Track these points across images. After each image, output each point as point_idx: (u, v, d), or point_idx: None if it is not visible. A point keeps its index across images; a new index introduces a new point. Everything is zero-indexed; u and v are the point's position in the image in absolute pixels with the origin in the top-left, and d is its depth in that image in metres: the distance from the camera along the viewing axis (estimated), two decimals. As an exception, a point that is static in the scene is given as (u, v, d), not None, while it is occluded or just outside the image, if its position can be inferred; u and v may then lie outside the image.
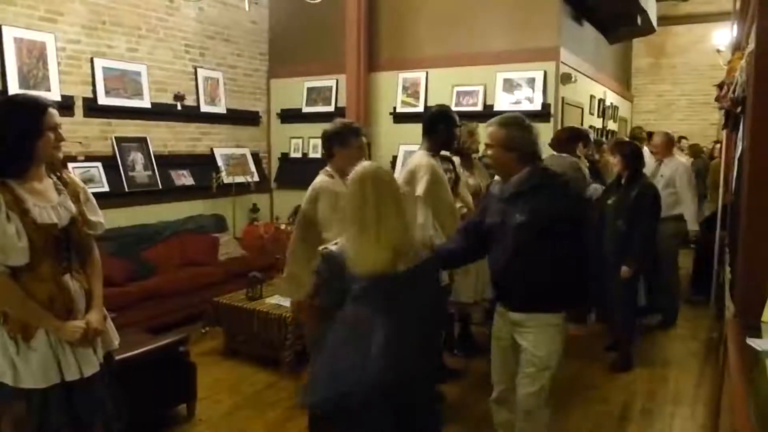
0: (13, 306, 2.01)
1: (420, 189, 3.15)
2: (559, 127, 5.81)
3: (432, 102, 6.06)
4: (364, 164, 2.08)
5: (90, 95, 5.28)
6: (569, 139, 4.76)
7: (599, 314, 4.97)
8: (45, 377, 2.03)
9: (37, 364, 2.02)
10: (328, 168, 2.86)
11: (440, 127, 3.34)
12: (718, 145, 6.89)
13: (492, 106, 5.99)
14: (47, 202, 2.08)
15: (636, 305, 4.51)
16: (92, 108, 5.29)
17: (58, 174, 2.21)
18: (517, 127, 2.53)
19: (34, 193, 2.06)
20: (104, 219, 2.33)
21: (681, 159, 5.41)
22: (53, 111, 2.10)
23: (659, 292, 5.30)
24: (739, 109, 3.34)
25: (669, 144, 5.37)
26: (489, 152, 2.61)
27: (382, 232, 1.98)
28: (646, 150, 7.02)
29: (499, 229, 2.54)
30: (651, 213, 4.19)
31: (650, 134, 7.73)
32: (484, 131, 4.20)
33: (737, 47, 4.28)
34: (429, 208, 3.17)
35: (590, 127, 7.04)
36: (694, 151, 8.76)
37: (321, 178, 2.82)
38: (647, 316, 5.22)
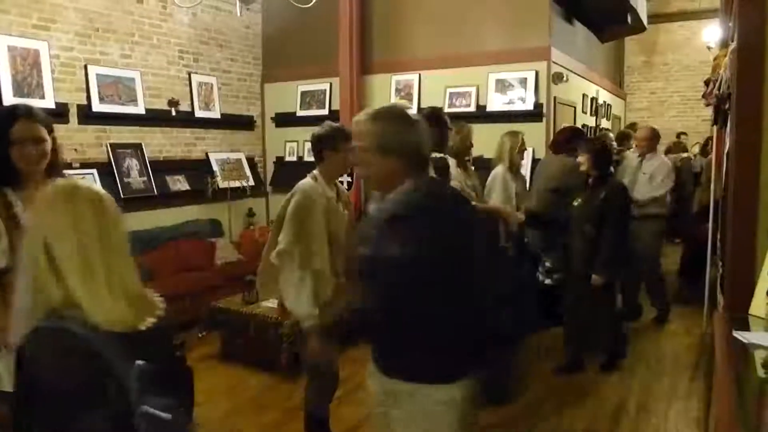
0: None
1: None
2: (552, 127, 5.85)
3: (425, 104, 6.09)
4: (69, 182, 1.45)
5: (84, 102, 5.30)
6: (569, 140, 4.74)
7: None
8: None
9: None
10: (315, 172, 2.86)
11: (431, 129, 3.35)
12: (711, 142, 6.90)
13: (485, 107, 6.03)
14: None
15: (616, 312, 4.40)
16: (87, 115, 5.31)
17: None
18: (399, 122, 1.86)
19: (29, 201, 2.06)
20: None
21: (663, 157, 5.37)
22: (26, 124, 2.08)
23: (647, 292, 5.32)
24: (726, 106, 3.38)
25: (654, 139, 5.30)
26: (362, 157, 1.89)
27: (111, 274, 1.38)
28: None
29: (369, 265, 1.86)
30: (620, 216, 3.99)
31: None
32: (480, 132, 4.29)
33: (725, 44, 4.32)
34: None
35: (583, 125, 7.08)
36: (678, 148, 8.80)
37: (304, 180, 2.82)
38: (632, 320, 5.21)
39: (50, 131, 2.20)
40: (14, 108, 2.15)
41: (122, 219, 1.51)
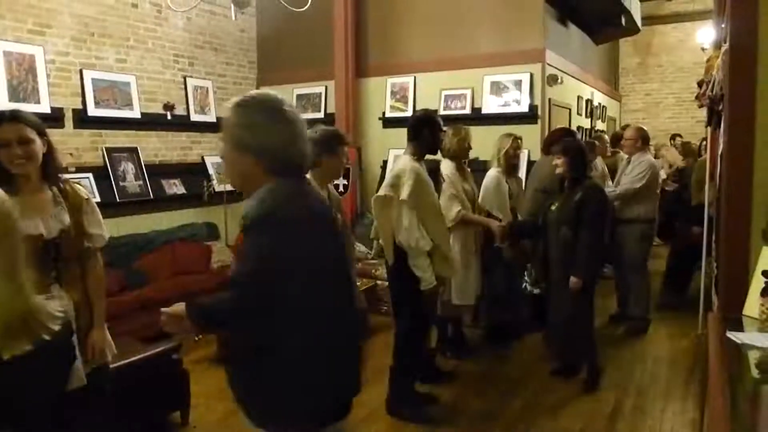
0: None
1: (404, 193, 3.19)
2: (547, 129, 5.87)
3: (420, 106, 6.11)
4: None
5: (80, 107, 5.30)
6: (559, 141, 4.71)
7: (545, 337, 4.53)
8: None
9: None
10: (308, 175, 2.84)
11: (424, 131, 3.37)
12: (705, 143, 6.87)
13: (480, 109, 6.05)
14: (38, 214, 2.11)
15: (591, 319, 4.05)
16: (82, 119, 5.30)
17: (61, 186, 2.23)
18: (263, 115, 1.56)
19: (25, 205, 2.06)
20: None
21: (650, 157, 5.21)
22: (9, 126, 2.09)
23: (627, 300, 5.12)
24: (720, 107, 3.40)
25: (641, 140, 5.12)
26: (220, 153, 1.65)
27: None
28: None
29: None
30: (596, 217, 3.78)
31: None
32: (475, 134, 4.30)
33: (719, 45, 4.34)
34: (414, 211, 3.20)
35: (578, 127, 7.11)
36: (686, 149, 8.79)
37: None
38: (615, 327, 5.10)
39: (42, 134, 2.20)
40: None
41: (17, 230, 1.37)
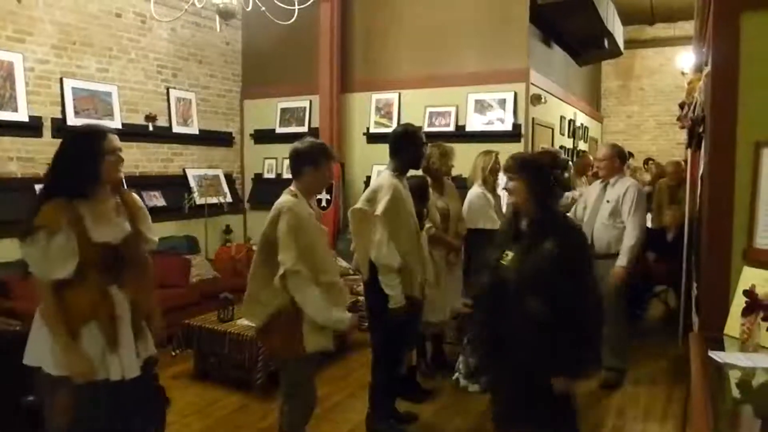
0: (49, 318, 2.20)
1: (379, 209, 3.16)
2: (530, 147, 5.91)
3: (405, 122, 6.11)
4: None
5: (59, 116, 5.22)
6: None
7: None
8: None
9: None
10: (292, 188, 2.80)
11: (405, 147, 3.34)
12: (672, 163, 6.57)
13: (464, 127, 6.08)
14: (106, 222, 2.29)
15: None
16: (61, 129, 5.19)
17: (122, 194, 2.44)
18: None
19: (95, 213, 2.25)
20: None
21: (632, 180, 4.34)
22: (112, 136, 2.30)
23: (604, 347, 4.41)
24: (701, 128, 3.44)
25: (618, 159, 4.18)
26: None
27: None
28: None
29: None
30: (587, 278, 2.38)
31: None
32: (458, 152, 4.31)
33: (699, 69, 4.41)
34: (386, 227, 3.16)
35: (561, 147, 7.16)
36: (659, 171, 8.85)
37: (284, 198, 2.75)
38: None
39: None
40: (97, 126, 2.41)
41: None
